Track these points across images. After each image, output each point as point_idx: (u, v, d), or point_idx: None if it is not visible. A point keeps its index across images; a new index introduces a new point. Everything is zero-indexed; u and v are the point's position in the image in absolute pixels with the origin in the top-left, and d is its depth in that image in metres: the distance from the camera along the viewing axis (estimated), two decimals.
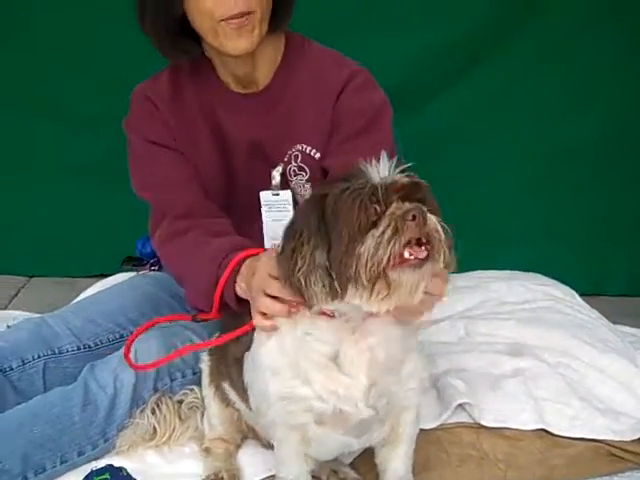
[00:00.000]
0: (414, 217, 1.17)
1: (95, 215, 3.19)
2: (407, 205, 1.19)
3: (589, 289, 2.56)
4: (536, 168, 2.99)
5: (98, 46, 2.96)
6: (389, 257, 1.16)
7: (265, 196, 1.81)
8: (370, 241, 1.18)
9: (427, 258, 1.19)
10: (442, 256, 1.21)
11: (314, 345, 1.32)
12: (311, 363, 1.32)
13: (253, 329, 1.44)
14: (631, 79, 2.90)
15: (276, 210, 1.80)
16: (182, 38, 1.73)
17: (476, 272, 2.39)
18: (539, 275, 2.37)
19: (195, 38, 1.73)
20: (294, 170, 1.80)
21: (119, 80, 2.83)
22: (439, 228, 1.20)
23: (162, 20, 1.69)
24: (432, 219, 1.19)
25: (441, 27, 2.86)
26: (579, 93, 2.92)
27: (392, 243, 1.17)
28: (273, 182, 1.80)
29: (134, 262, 2.37)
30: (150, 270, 2.22)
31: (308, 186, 1.80)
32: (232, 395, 1.60)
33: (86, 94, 3.05)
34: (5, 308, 2.93)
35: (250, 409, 1.52)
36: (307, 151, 1.79)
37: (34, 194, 3.23)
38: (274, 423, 1.41)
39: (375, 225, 1.19)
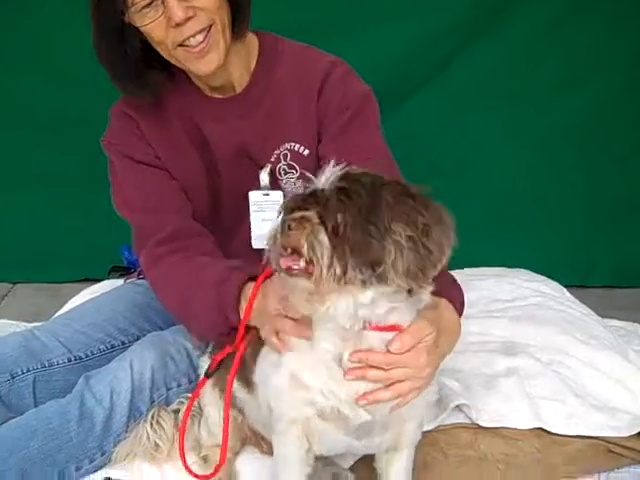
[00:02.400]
0: (288, 226, 1.20)
1: (78, 220, 3.18)
2: (295, 214, 1.21)
3: (575, 281, 2.58)
4: (518, 161, 3.02)
5: (79, 53, 2.92)
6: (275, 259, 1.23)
7: (254, 196, 1.79)
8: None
9: (303, 271, 1.20)
10: (326, 275, 1.18)
11: (322, 344, 1.32)
12: (318, 360, 1.32)
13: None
14: (617, 65, 2.92)
15: (266, 210, 1.78)
16: (143, 72, 1.69)
17: (464, 270, 2.39)
18: (527, 271, 2.38)
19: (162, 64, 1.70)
20: (284, 169, 1.79)
21: (99, 86, 2.82)
22: (303, 243, 1.19)
23: (117, 56, 1.65)
24: (293, 234, 1.20)
25: (423, 17, 2.87)
26: (563, 79, 2.94)
27: (272, 247, 1.23)
28: (262, 183, 1.79)
29: (121, 271, 2.35)
30: (138, 278, 2.20)
31: (299, 183, 1.78)
32: (239, 393, 1.58)
33: (66, 101, 3.03)
34: None
35: (257, 406, 1.51)
36: (295, 148, 1.77)
37: (16, 201, 3.22)
38: (278, 416, 1.40)
39: None
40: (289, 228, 1.20)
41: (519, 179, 3.03)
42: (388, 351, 1.29)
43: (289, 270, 1.21)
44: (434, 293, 1.43)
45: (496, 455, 1.62)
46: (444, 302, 1.49)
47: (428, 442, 1.62)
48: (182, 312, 1.72)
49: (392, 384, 1.32)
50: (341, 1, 2.86)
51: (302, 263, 1.19)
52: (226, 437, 1.53)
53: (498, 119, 2.98)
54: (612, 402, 1.74)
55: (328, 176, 1.24)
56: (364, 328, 1.27)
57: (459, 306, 1.56)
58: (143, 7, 1.55)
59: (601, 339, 1.95)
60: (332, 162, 1.26)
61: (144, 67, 1.69)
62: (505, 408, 1.67)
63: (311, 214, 1.20)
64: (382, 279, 1.19)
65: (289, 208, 1.24)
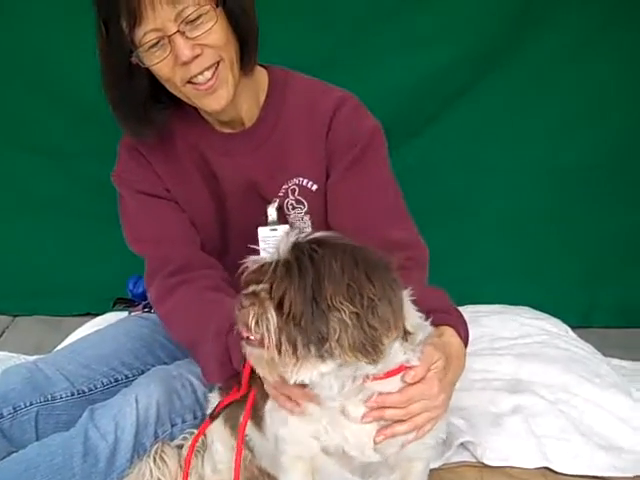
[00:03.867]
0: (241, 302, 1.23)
1: (81, 253, 3.16)
2: (248, 289, 1.24)
3: (577, 321, 2.57)
4: (525, 196, 2.99)
5: (75, 76, 2.93)
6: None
7: (263, 232, 1.79)
8: None
9: (258, 343, 1.22)
10: (276, 351, 1.20)
11: (325, 401, 1.31)
12: (323, 410, 1.32)
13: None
14: (630, 102, 2.90)
15: (274, 245, 1.79)
16: (151, 108, 1.71)
17: (467, 306, 2.40)
18: (530, 309, 2.39)
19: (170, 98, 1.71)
20: (292, 204, 1.79)
21: (99, 116, 2.84)
22: (251, 321, 1.21)
23: (126, 95, 1.67)
24: (244, 311, 1.22)
25: (434, 50, 2.85)
26: (573, 116, 2.92)
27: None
28: (269, 219, 1.79)
29: (126, 303, 2.34)
30: (143, 311, 2.20)
31: (307, 219, 1.80)
32: (248, 429, 1.56)
33: (73, 130, 3.03)
34: None
35: (266, 441, 1.50)
36: (304, 184, 1.78)
37: (18, 232, 3.20)
38: (284, 450, 1.39)
39: None
40: (241, 304, 1.22)
41: (522, 219, 3.02)
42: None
43: (248, 340, 1.24)
44: (440, 323, 1.46)
45: None
46: (450, 330, 1.49)
47: None
48: (191, 352, 1.73)
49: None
50: (351, 34, 2.85)
51: (258, 335, 1.21)
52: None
53: (508, 154, 2.96)
54: (617, 441, 1.74)
55: (286, 244, 1.23)
56: (364, 382, 1.27)
57: (464, 339, 1.56)
58: (150, 47, 1.57)
59: (606, 378, 1.95)
60: (296, 230, 1.27)
61: (152, 103, 1.71)
62: (511, 447, 1.67)
63: (261, 289, 1.22)
64: (330, 355, 1.19)
65: (245, 281, 1.25)
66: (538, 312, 2.36)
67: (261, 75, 1.79)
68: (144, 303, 2.24)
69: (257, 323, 1.21)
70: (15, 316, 3.22)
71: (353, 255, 1.21)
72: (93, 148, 2.96)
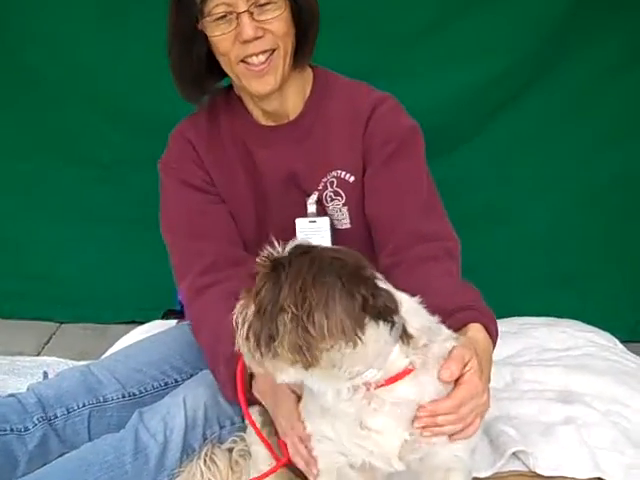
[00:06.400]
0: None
1: (128, 261, 3.20)
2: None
3: (625, 335, 2.54)
4: (569, 211, 2.99)
5: (131, 92, 3.01)
6: None
7: (301, 223, 1.82)
8: None
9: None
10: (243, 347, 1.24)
11: (342, 409, 1.31)
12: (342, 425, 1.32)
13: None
14: None
15: (313, 237, 1.79)
16: (205, 77, 1.78)
17: (515, 318, 2.39)
18: (578, 322, 2.36)
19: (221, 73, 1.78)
20: (330, 196, 1.82)
21: (149, 126, 2.90)
22: (238, 314, 1.25)
23: (186, 58, 1.74)
24: (237, 306, 1.26)
25: (473, 66, 2.88)
26: (611, 134, 2.93)
27: None
28: (309, 210, 1.82)
29: (175, 315, 2.36)
30: None
31: (345, 210, 1.82)
32: None
33: (121, 139, 3.09)
34: (38, 354, 2.93)
35: None
36: (342, 176, 1.81)
37: (65, 241, 3.26)
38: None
39: None
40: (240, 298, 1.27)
41: (566, 231, 3.01)
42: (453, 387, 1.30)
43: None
44: (468, 319, 1.46)
45: None
46: (477, 326, 1.47)
47: None
48: (209, 364, 1.74)
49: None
50: (393, 47, 2.88)
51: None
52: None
53: (545, 170, 2.97)
54: None
55: (289, 247, 1.27)
56: (368, 389, 1.27)
57: (493, 335, 1.52)
58: (217, 18, 1.65)
59: None
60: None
61: (207, 73, 1.77)
62: (563, 456, 1.65)
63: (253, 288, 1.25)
64: (275, 354, 1.21)
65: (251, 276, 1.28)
66: (585, 325, 2.34)
67: (308, 73, 1.84)
68: None
69: (237, 317, 1.25)
70: (61, 323, 3.27)
71: (320, 262, 1.22)
72: (141, 158, 3.00)
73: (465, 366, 1.32)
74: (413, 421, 1.28)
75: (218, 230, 1.82)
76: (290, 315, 1.18)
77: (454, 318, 1.44)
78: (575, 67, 2.90)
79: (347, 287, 1.19)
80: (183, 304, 2.31)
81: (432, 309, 1.34)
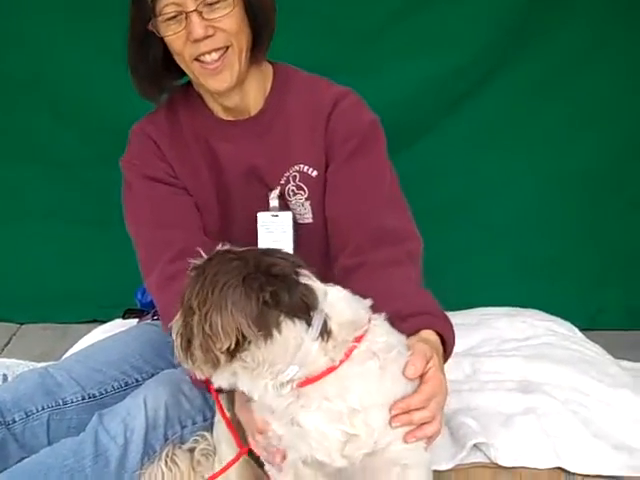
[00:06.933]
0: None
1: (87, 261, 3.18)
2: None
3: (585, 323, 2.57)
4: (529, 201, 3.02)
5: (91, 93, 2.98)
6: None
7: (263, 217, 1.81)
8: None
9: None
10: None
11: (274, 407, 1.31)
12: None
13: None
14: (633, 108, 2.94)
15: (275, 231, 1.81)
16: (162, 76, 1.78)
17: (475, 309, 2.41)
18: (538, 311, 2.38)
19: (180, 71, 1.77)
20: (292, 190, 1.82)
21: (107, 125, 2.87)
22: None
23: (143, 58, 1.75)
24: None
25: (433, 57, 2.90)
26: (575, 122, 2.96)
27: None
28: (271, 205, 1.81)
29: (135, 314, 2.34)
30: (153, 319, 2.19)
31: (307, 204, 1.82)
32: None
33: (78, 139, 3.06)
34: None
35: None
36: (304, 170, 1.81)
37: (23, 240, 3.22)
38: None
39: None
40: None
41: (527, 221, 3.04)
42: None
43: None
44: (421, 326, 1.47)
45: None
46: (427, 331, 1.48)
47: None
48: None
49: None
50: (353, 40, 2.89)
51: None
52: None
53: (509, 160, 3.00)
54: (630, 441, 1.73)
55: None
56: (293, 389, 1.27)
57: (450, 340, 1.54)
58: (168, 19, 1.66)
59: (616, 378, 1.94)
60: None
61: (164, 71, 1.78)
62: (524, 447, 1.66)
63: None
64: (192, 358, 1.25)
65: None
66: (546, 314, 2.36)
67: (267, 68, 1.84)
68: (153, 311, 2.22)
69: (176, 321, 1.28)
70: (21, 324, 3.23)
71: (223, 264, 1.24)
72: (98, 157, 2.99)
73: (427, 363, 1.34)
74: (349, 417, 1.27)
75: (185, 219, 1.81)
76: (197, 317, 1.21)
77: (409, 322, 1.45)
78: (537, 57, 2.92)
79: (245, 286, 1.20)
80: (142, 302, 2.31)
81: (389, 314, 1.35)
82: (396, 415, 1.29)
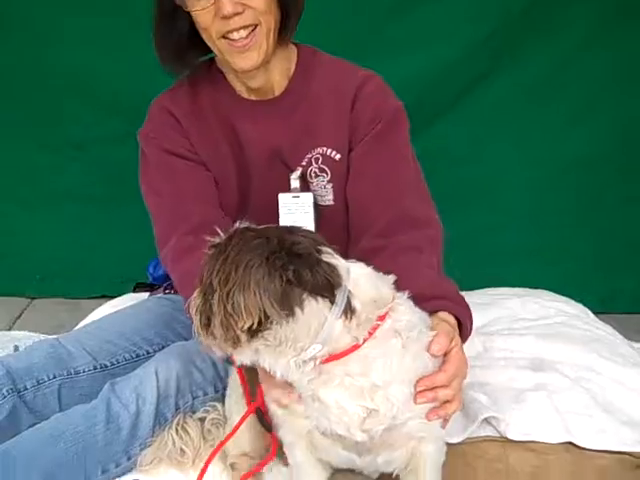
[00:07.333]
0: None
1: (98, 236, 3.19)
2: None
3: (596, 306, 2.56)
4: (542, 186, 3.03)
5: (102, 70, 2.98)
6: None
7: (284, 198, 1.81)
8: None
9: None
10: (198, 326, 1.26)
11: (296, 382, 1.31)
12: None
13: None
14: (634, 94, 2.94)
15: (296, 212, 1.80)
16: (187, 51, 1.76)
17: (487, 289, 2.40)
18: (550, 292, 2.38)
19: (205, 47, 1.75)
20: (315, 172, 1.81)
21: (121, 104, 2.87)
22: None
23: (169, 32, 1.73)
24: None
25: (441, 46, 2.91)
26: (587, 107, 2.96)
27: None
28: (292, 186, 1.81)
29: (146, 288, 2.34)
30: (164, 293, 2.20)
31: (329, 187, 1.82)
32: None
33: (92, 119, 3.07)
34: (9, 329, 2.91)
35: None
36: (327, 153, 1.80)
37: (37, 217, 3.23)
38: (281, 426, 1.42)
39: None
40: None
41: (540, 206, 3.04)
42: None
43: None
44: (440, 308, 1.48)
45: (525, 468, 1.61)
46: (446, 313, 1.50)
47: (456, 455, 1.59)
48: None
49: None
50: (362, 26, 2.90)
51: None
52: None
53: (517, 147, 3.01)
54: None
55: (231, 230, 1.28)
56: (316, 366, 1.26)
57: (467, 325, 1.55)
58: None
59: (627, 357, 1.93)
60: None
61: (190, 47, 1.75)
62: (534, 422, 1.66)
63: None
64: (213, 335, 1.23)
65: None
66: (557, 295, 2.35)
67: (292, 50, 1.83)
68: (165, 285, 2.23)
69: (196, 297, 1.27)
70: (33, 298, 3.25)
71: (245, 242, 1.22)
72: (112, 136, 2.99)
73: (451, 341, 1.35)
74: (369, 393, 1.28)
75: (203, 194, 1.81)
76: (217, 295, 1.20)
77: (430, 304, 1.45)
78: (550, 41, 2.93)
79: (268, 265, 1.19)
80: (153, 276, 2.31)
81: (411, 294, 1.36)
82: (421, 391, 1.31)
